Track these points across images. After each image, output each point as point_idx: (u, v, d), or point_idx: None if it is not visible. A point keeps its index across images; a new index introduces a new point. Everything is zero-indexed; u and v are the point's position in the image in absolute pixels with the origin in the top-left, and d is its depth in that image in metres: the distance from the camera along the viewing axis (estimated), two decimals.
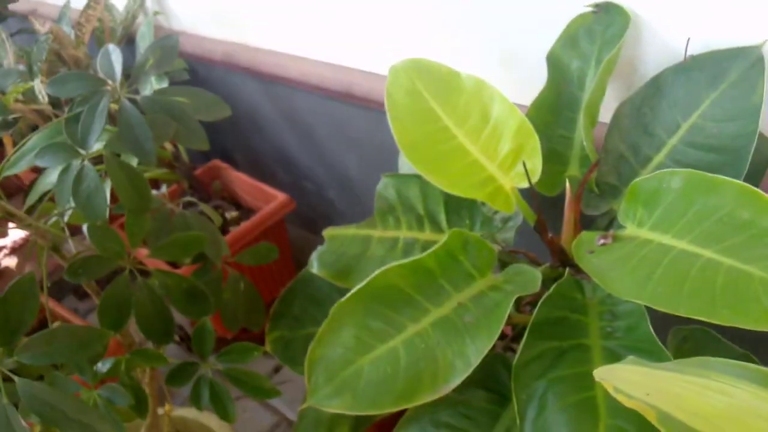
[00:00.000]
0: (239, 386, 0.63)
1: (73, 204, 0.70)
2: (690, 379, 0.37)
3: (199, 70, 1.40)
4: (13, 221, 0.64)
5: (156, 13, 1.38)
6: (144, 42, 1.17)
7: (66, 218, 0.80)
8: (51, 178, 1.03)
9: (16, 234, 1.83)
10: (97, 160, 0.71)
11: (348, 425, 0.78)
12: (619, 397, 0.37)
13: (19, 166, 0.95)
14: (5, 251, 1.79)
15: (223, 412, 0.63)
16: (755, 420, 0.33)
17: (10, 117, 1.39)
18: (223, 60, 1.31)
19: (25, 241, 1.85)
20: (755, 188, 0.53)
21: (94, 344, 0.48)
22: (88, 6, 1.35)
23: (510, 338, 0.85)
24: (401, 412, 0.71)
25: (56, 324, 0.90)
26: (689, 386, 0.36)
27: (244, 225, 1.20)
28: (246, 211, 1.35)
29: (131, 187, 0.58)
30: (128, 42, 1.41)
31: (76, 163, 0.58)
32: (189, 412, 0.88)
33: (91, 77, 0.59)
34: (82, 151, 0.59)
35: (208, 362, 0.64)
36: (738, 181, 0.54)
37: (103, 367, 0.58)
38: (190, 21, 1.37)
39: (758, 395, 0.34)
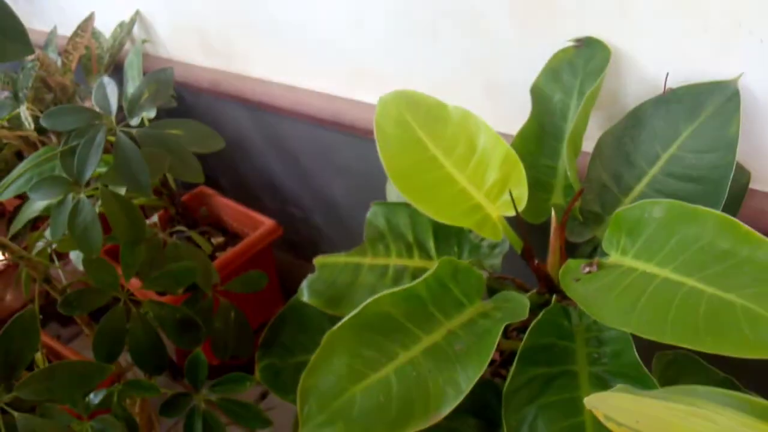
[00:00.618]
0: (232, 416, 0.63)
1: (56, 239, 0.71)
2: (677, 406, 0.38)
3: (186, 97, 1.41)
4: (5, 252, 0.64)
5: (144, 41, 1.39)
6: (132, 70, 1.18)
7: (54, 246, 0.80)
8: (37, 205, 1.02)
9: None
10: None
11: None
12: (609, 425, 0.39)
13: (6, 194, 0.95)
14: None
15: None
16: None
17: None
18: (210, 87, 1.33)
19: (7, 267, 1.83)
20: (733, 219, 0.55)
21: (93, 379, 0.48)
22: (75, 34, 1.36)
23: (498, 364, 0.86)
24: None
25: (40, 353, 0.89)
26: (676, 413, 0.38)
27: (232, 251, 1.20)
28: (232, 237, 1.36)
29: (126, 219, 0.58)
30: (115, 69, 1.42)
31: (70, 197, 0.58)
32: None
33: (87, 111, 0.60)
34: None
35: (200, 393, 0.64)
36: (717, 212, 0.56)
37: (95, 398, 0.58)
38: (177, 49, 1.38)
39: (741, 422, 0.36)
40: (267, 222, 1.28)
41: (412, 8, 0.92)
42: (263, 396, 1.28)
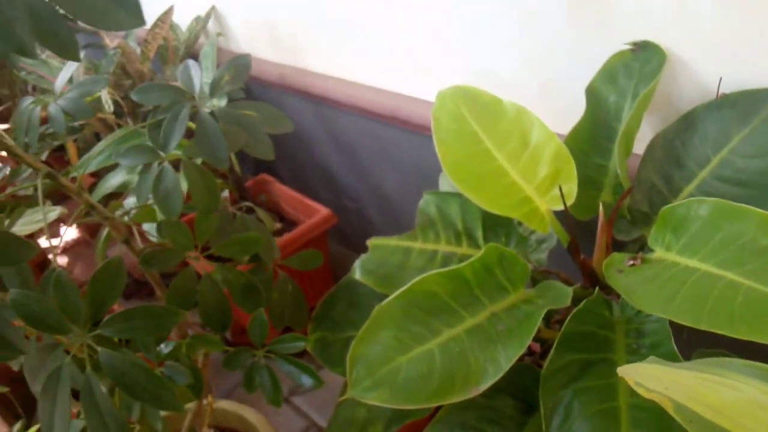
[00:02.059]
0: (287, 373, 0.68)
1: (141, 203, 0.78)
2: (706, 376, 0.41)
3: (254, 90, 1.49)
4: (92, 213, 0.71)
5: (218, 35, 1.47)
6: (207, 60, 1.25)
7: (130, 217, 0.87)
8: (113, 181, 1.11)
9: (68, 235, 1.93)
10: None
11: (380, 426, 0.82)
12: (639, 390, 0.42)
13: (89, 167, 1.04)
14: (57, 251, 1.89)
15: (272, 396, 0.69)
16: (762, 412, 0.37)
17: (77, 123, 1.49)
18: (277, 81, 1.39)
19: (76, 243, 1.95)
20: None
21: (168, 321, 0.54)
22: (155, 25, 1.45)
23: (539, 354, 0.89)
24: (430, 417, 0.76)
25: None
26: (705, 383, 0.40)
27: (289, 235, 1.26)
28: (289, 224, 1.42)
29: (204, 189, 0.64)
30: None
31: (156, 164, 0.65)
32: (229, 405, 0.94)
33: (174, 88, 0.67)
34: (162, 154, 0.66)
35: (260, 350, 0.70)
36: (761, 210, 0.58)
37: (165, 348, 0.64)
38: (248, 43, 1.46)
39: (766, 391, 0.38)
40: (323, 210, 1.33)
41: (471, 8, 0.96)
42: None
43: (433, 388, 0.64)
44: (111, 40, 1.61)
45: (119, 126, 1.48)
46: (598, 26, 0.83)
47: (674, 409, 0.39)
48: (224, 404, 0.94)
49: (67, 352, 0.55)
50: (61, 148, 1.64)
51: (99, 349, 0.53)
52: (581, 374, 0.66)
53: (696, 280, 0.59)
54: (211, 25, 1.52)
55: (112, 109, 1.42)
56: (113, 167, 1.09)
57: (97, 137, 1.56)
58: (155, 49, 1.49)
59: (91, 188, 1.19)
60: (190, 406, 0.85)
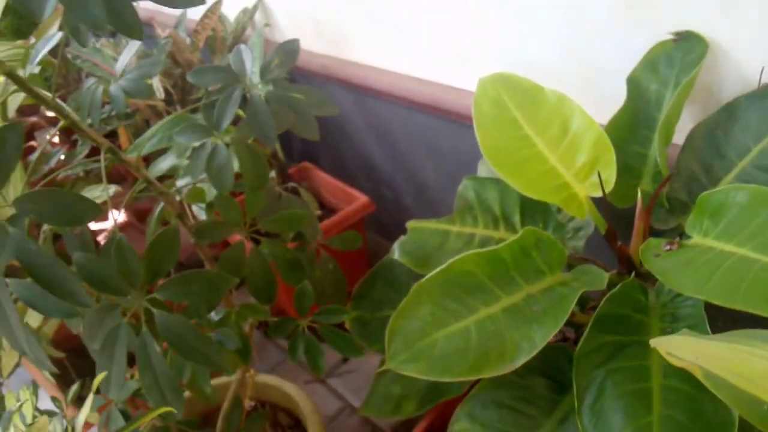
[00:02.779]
0: (330, 342, 0.71)
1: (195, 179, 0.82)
2: (737, 347, 0.42)
3: (298, 80, 1.52)
4: (149, 188, 0.75)
5: (265, 25, 1.51)
6: (255, 50, 1.29)
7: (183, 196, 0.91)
8: (162, 165, 1.16)
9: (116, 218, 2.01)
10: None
11: (414, 402, 0.85)
12: (671, 360, 0.43)
13: (144, 149, 1.09)
14: (106, 234, 1.97)
15: (314, 364, 0.72)
16: None
17: (129, 110, 1.55)
18: (320, 72, 1.43)
19: (124, 226, 2.03)
20: None
21: (221, 286, 0.57)
22: (205, 15, 1.50)
23: (573, 341, 0.90)
24: (463, 396, 0.78)
25: None
26: (735, 353, 0.42)
27: (328, 221, 1.30)
28: (328, 211, 1.46)
29: (253, 167, 0.68)
30: None
31: (209, 141, 0.68)
32: (271, 379, 0.97)
33: (228, 71, 0.70)
34: (215, 132, 0.69)
35: (305, 319, 0.73)
36: None
37: (216, 316, 0.68)
38: (293, 35, 1.49)
39: None
40: (362, 197, 1.36)
41: None
42: (345, 360, 1.37)
43: (469, 363, 0.66)
44: (162, 31, 1.67)
45: (168, 113, 1.54)
46: (640, 16, 0.84)
47: (704, 376, 0.40)
48: (266, 378, 0.98)
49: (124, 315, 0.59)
50: (113, 134, 1.70)
51: (155, 311, 0.57)
52: (615, 355, 0.67)
53: (732, 263, 0.60)
54: (258, 16, 1.56)
55: (163, 96, 1.48)
56: (163, 152, 1.15)
57: (147, 124, 1.63)
58: (204, 39, 1.54)
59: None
60: (234, 377, 0.89)
